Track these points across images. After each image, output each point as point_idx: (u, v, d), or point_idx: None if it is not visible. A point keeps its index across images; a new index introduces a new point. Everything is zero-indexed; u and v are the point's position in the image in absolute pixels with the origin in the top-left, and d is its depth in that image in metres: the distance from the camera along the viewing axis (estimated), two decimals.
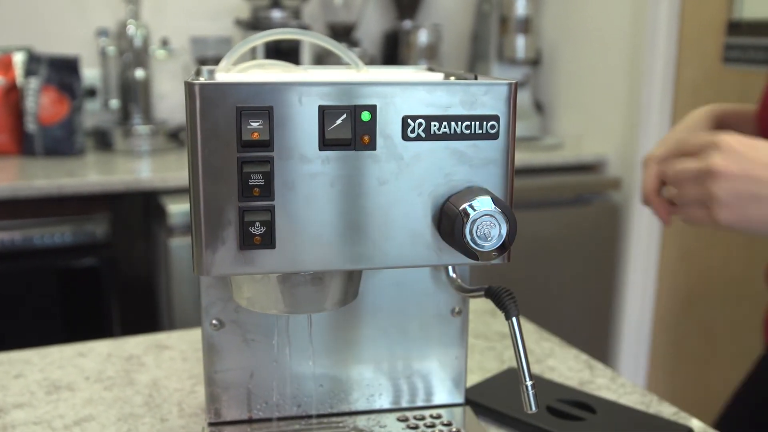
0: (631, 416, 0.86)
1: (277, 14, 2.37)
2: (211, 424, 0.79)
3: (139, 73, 2.37)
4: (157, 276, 2.11)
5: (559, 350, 1.07)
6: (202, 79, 0.59)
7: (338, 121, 0.60)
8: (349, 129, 0.60)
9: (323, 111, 0.60)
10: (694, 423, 0.88)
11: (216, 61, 2.40)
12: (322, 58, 2.45)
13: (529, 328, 1.13)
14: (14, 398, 0.92)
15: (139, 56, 2.37)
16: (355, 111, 0.60)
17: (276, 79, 0.60)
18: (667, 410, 0.91)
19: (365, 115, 0.61)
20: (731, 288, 2.15)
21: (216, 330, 0.77)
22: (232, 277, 0.70)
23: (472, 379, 0.95)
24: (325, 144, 0.60)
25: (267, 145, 0.60)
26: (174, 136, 2.39)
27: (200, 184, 0.60)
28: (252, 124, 0.59)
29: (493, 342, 1.09)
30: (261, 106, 0.59)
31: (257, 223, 0.60)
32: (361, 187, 0.62)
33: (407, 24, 2.67)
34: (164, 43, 2.47)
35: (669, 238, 2.36)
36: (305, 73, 0.73)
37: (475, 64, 2.73)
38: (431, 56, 2.61)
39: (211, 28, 2.57)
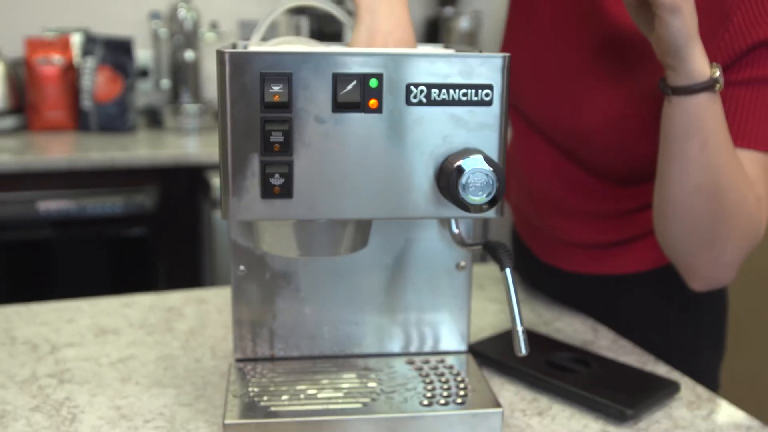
0: (622, 371, 0.93)
1: None
2: (237, 360, 0.88)
3: (189, 55, 2.48)
4: (201, 246, 2.22)
5: (567, 314, 1.14)
6: (232, 49, 0.68)
7: (349, 87, 0.68)
8: (359, 94, 0.69)
9: (336, 77, 0.68)
10: (685, 381, 0.95)
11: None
12: None
13: (540, 296, 1.20)
14: (66, 338, 1.02)
15: (189, 39, 2.48)
16: (364, 78, 0.69)
17: (296, 50, 0.68)
18: (661, 369, 0.98)
19: (373, 82, 0.69)
20: (754, 273, 2.17)
21: (243, 275, 0.86)
22: (255, 225, 0.79)
23: (483, 336, 1.03)
24: (337, 107, 0.69)
25: (286, 106, 0.68)
26: None
27: (228, 140, 0.69)
28: (274, 87, 0.67)
29: (506, 305, 1.16)
30: (282, 72, 0.67)
31: (277, 175, 0.69)
32: (369, 146, 0.70)
33: (448, 11, 2.73)
34: (213, 26, 2.57)
35: None
36: (324, 47, 0.82)
37: None
38: (471, 42, 2.67)
39: (258, 12, 2.66)
